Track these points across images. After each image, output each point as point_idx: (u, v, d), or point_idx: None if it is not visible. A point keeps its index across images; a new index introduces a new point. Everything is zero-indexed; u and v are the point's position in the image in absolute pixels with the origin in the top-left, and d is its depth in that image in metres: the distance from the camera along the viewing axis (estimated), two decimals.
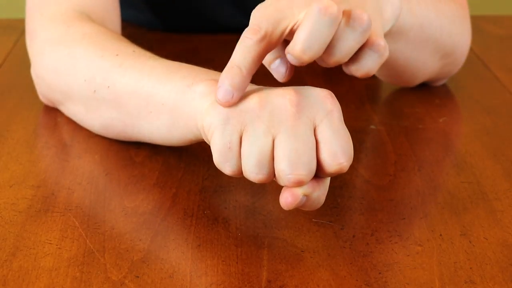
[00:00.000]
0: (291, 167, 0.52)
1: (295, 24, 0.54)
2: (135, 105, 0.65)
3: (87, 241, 0.57)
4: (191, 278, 0.53)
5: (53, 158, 0.70)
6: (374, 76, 0.92)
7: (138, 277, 0.53)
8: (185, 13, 1.02)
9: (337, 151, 0.53)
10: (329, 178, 0.55)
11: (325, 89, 0.55)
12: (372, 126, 0.77)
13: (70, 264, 0.55)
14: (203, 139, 0.58)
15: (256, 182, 0.54)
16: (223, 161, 0.54)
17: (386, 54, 0.56)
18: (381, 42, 0.55)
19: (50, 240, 0.57)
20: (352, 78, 0.89)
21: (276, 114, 0.53)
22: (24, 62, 0.89)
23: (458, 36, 0.80)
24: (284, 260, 0.55)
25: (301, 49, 0.53)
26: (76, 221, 0.60)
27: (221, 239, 0.57)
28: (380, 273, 0.54)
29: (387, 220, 0.60)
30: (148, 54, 0.68)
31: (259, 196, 0.63)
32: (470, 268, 0.54)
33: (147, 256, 0.55)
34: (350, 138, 0.54)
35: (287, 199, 0.53)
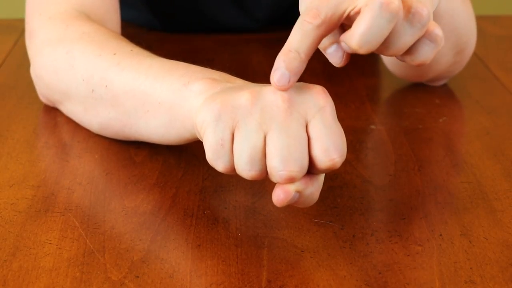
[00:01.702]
0: (283, 163, 0.51)
1: (353, 9, 0.52)
2: (132, 104, 0.65)
3: (87, 241, 0.57)
4: (191, 278, 0.53)
5: (53, 158, 0.70)
6: (374, 76, 0.92)
7: (138, 277, 0.53)
8: (185, 13, 1.02)
9: (330, 147, 0.52)
10: (323, 175, 0.54)
11: (317, 85, 0.54)
12: (372, 126, 0.77)
13: (70, 264, 0.55)
14: None
15: (249, 179, 0.53)
16: (215, 158, 0.54)
17: (442, 43, 0.54)
18: (438, 32, 0.54)
19: (50, 240, 0.57)
20: (352, 78, 0.89)
21: (267, 110, 0.52)
22: (24, 62, 0.89)
23: (471, 34, 0.80)
24: (284, 260, 0.55)
25: (358, 43, 0.52)
26: (76, 221, 0.60)
27: (221, 239, 0.57)
28: (380, 273, 0.54)
29: (387, 220, 0.60)
30: (146, 53, 0.68)
31: (259, 196, 0.63)
32: (470, 268, 0.54)
33: (147, 256, 0.55)
34: (343, 134, 0.53)
35: (279, 196, 0.52)
